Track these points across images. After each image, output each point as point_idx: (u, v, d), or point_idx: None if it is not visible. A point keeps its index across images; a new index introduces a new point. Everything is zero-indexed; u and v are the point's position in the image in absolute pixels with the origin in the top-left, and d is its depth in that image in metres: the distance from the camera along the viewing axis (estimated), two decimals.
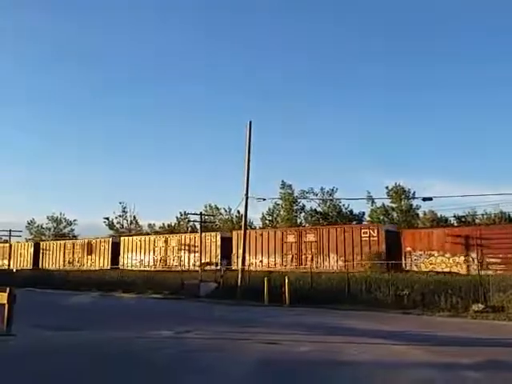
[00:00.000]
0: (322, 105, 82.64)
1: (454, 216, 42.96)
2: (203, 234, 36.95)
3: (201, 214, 42.38)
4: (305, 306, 19.47)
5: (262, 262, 32.98)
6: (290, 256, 32.15)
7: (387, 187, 51.78)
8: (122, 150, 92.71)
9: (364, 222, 50.57)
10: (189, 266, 36.17)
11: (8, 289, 11.64)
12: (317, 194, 54.79)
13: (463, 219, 43.93)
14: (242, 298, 22.47)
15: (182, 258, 37.69)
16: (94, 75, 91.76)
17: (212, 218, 54.86)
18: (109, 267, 40.22)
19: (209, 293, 24.58)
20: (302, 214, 56.57)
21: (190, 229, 55.77)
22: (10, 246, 53.79)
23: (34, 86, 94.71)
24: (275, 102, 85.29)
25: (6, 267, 49.79)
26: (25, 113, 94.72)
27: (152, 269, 37.89)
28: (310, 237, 31.83)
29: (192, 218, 47.53)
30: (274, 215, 57.14)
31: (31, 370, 8.12)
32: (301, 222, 54.52)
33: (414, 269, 26.30)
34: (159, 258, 39.15)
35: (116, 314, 18.23)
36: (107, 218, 64.35)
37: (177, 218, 63.36)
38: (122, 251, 41.70)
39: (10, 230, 56.11)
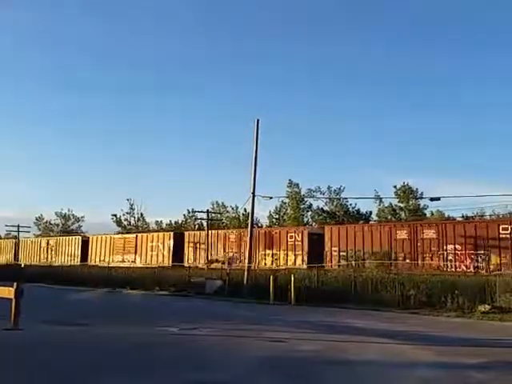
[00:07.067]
0: (326, 99, 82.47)
1: (462, 216, 42.61)
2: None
3: (207, 211, 42.46)
4: (310, 305, 19.43)
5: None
6: None
7: (395, 186, 51.73)
8: (129, 146, 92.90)
9: (372, 222, 50.43)
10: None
11: (15, 284, 11.65)
12: (324, 193, 54.77)
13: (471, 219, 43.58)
14: (248, 295, 22.47)
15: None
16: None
17: (219, 215, 54.96)
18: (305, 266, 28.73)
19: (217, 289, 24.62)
20: (309, 212, 56.64)
21: (197, 226, 55.82)
22: (136, 237, 42.63)
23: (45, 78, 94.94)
24: (282, 99, 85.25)
25: (131, 264, 39.00)
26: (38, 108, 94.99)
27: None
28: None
29: (199, 215, 47.68)
30: (281, 214, 57.15)
31: (35, 363, 8.15)
32: (308, 221, 54.49)
33: None
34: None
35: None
36: (115, 215, 64.84)
37: (184, 215, 63.64)
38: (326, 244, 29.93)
39: (19, 226, 56.60)
